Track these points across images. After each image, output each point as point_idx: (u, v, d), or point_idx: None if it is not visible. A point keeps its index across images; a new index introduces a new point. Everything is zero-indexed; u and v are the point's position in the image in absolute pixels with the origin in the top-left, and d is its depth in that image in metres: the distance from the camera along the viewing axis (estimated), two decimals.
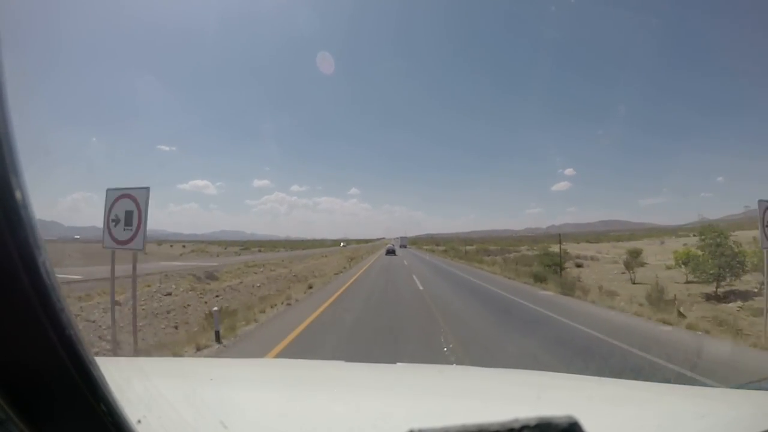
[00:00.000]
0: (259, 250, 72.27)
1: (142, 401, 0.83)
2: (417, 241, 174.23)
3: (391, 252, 49.09)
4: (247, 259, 40.97)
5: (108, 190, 5.40)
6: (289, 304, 10.46)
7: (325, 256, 42.79)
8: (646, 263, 26.07)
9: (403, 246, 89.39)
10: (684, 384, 2.65)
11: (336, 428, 0.92)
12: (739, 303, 13.78)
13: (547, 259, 23.81)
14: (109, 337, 7.31)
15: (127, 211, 5.21)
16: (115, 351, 5.90)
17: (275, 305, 10.18)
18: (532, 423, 0.43)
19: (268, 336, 6.81)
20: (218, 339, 6.33)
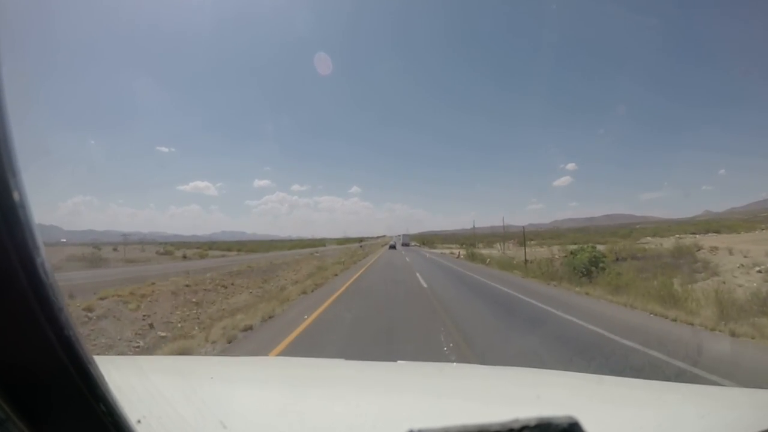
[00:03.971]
0: (183, 256, 43.73)
1: (141, 401, 0.83)
2: (426, 239, 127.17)
3: (392, 247, 52.80)
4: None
5: None
6: None
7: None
8: None
9: (405, 244, 79.92)
10: (685, 383, 2.65)
11: (336, 427, 0.92)
12: None
13: None
14: None
15: None
16: None
17: None
18: (532, 423, 0.43)
19: None
20: None
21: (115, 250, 56.86)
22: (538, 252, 30.63)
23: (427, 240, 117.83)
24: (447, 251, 48.48)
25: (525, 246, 27.94)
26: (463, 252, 35.90)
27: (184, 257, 43.46)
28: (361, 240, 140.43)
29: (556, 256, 25.55)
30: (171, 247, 61.83)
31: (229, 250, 69.87)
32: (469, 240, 63.82)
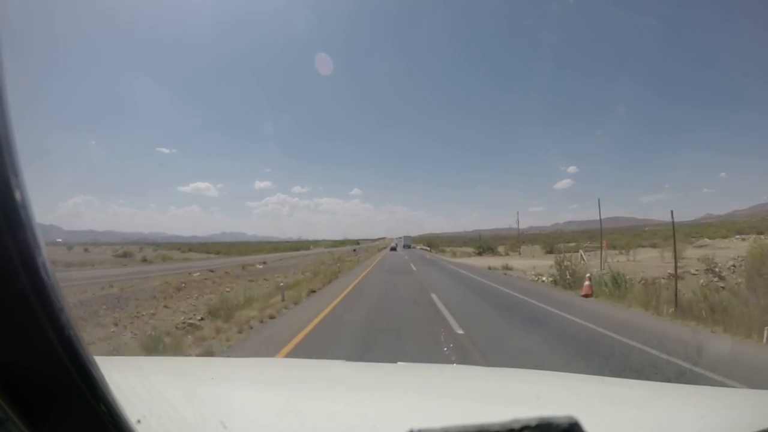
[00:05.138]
0: (143, 259, 40.13)
1: (142, 401, 0.83)
2: (426, 240, 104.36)
3: (393, 249, 49.03)
4: None
5: None
6: None
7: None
8: None
9: (407, 246, 75.91)
10: (685, 384, 2.65)
11: (336, 428, 0.92)
12: None
13: None
14: None
15: None
16: None
17: None
18: (533, 423, 0.43)
19: None
20: None
21: (86, 251, 53.26)
22: (643, 265, 18.52)
23: (431, 242, 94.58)
24: (486, 262, 27.28)
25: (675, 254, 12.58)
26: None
27: (144, 260, 38.83)
28: (356, 243, 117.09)
29: (689, 269, 16.44)
30: (134, 248, 55.87)
31: (207, 252, 63.70)
32: (487, 243, 48.85)
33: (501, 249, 48.84)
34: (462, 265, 26.33)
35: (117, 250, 54.23)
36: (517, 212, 51.97)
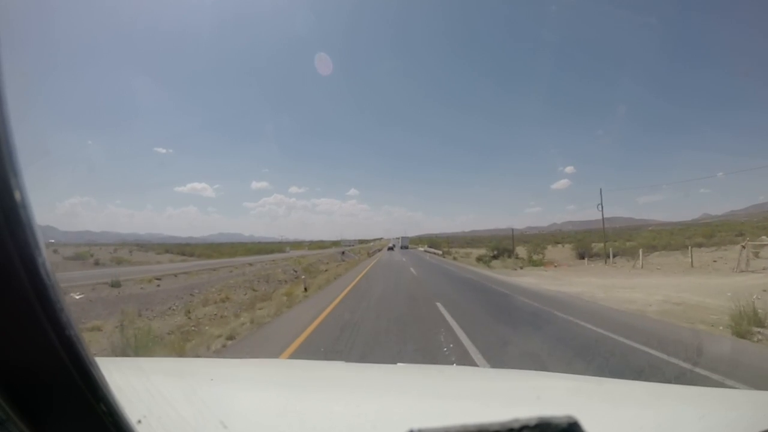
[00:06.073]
0: (95, 263, 33.86)
1: (142, 401, 0.83)
2: (424, 241, 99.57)
3: (390, 249, 49.33)
4: None
5: None
6: None
7: None
8: None
9: (404, 247, 76.92)
10: (684, 384, 2.66)
11: (336, 428, 0.92)
12: None
13: None
14: None
15: None
16: None
17: None
18: (532, 423, 0.43)
19: None
20: None
21: (55, 252, 47.01)
22: None
23: (433, 243, 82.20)
24: (610, 290, 10.67)
25: None
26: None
27: (96, 263, 34.12)
28: (338, 243, 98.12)
29: None
30: (89, 250, 48.98)
31: (182, 254, 58.22)
32: (502, 244, 38.31)
33: (518, 248, 37.50)
34: (599, 316, 7.50)
35: (93, 253, 47.32)
36: (600, 190, 29.97)
